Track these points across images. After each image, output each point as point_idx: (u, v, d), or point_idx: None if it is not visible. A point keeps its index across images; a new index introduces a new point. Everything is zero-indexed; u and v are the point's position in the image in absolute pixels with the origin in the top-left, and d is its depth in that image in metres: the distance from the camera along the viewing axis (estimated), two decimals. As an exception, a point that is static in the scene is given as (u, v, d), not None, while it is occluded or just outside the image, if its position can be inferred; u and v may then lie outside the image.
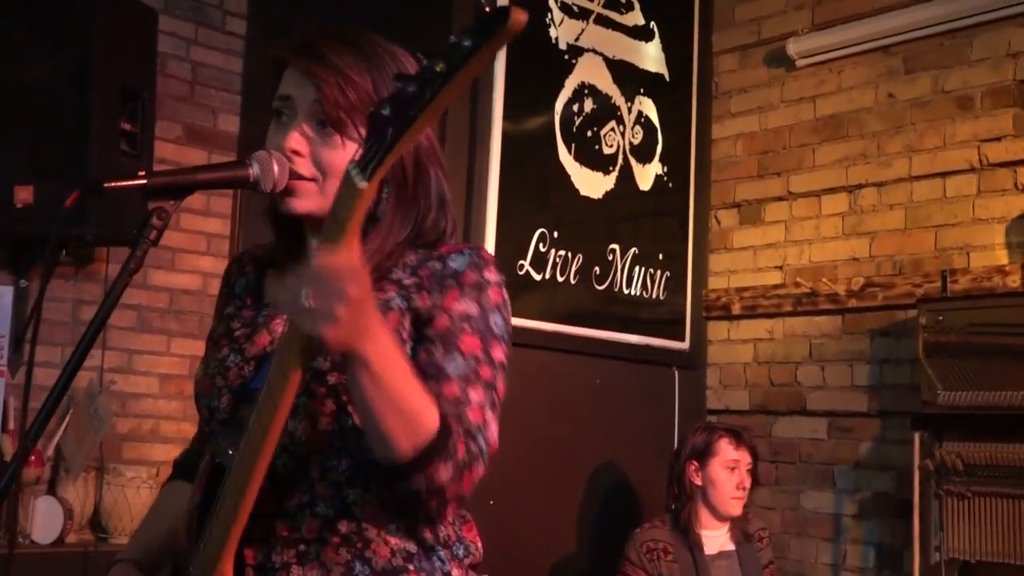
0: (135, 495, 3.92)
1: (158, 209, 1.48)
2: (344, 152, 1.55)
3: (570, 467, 3.91)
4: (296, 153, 1.55)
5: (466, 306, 1.53)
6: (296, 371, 1.34)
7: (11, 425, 3.80)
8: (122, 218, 3.60)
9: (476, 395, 1.48)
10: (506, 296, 1.59)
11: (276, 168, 1.52)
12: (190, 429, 4.32)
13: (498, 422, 1.50)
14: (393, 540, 1.52)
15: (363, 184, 1.22)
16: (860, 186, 4.10)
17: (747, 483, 3.55)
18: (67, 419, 3.89)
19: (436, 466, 1.38)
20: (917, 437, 3.54)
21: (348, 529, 1.50)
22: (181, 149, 4.35)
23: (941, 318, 3.52)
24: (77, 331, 4.00)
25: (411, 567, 1.52)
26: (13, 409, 3.82)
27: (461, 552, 1.59)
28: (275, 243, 1.71)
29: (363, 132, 1.52)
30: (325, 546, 1.50)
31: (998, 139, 3.76)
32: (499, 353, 1.53)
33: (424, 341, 1.51)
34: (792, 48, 4.26)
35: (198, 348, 4.35)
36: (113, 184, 1.48)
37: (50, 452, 3.83)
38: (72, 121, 3.50)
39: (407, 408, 1.34)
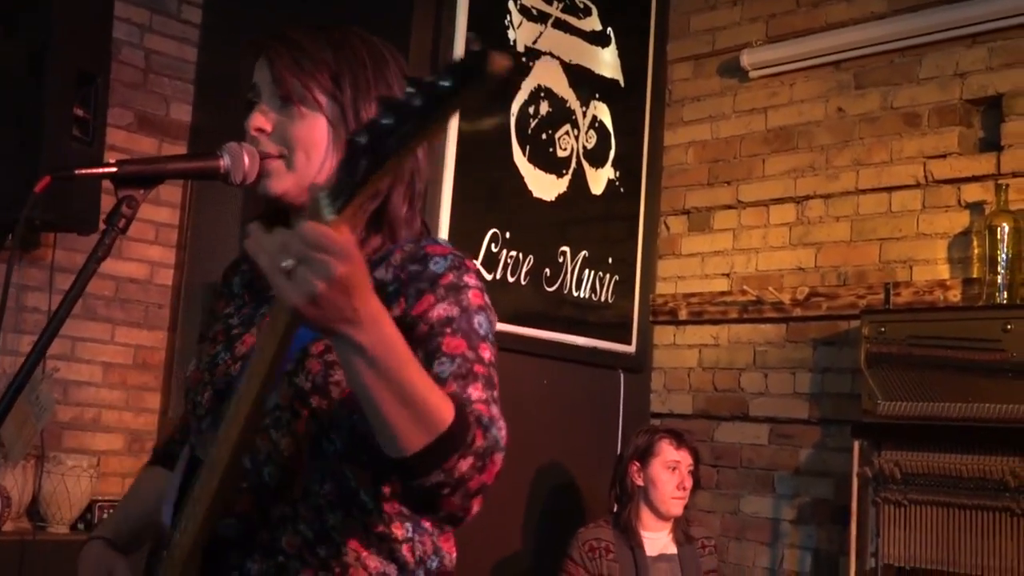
0: (75, 484, 3.87)
1: (128, 198, 1.47)
2: (307, 123, 1.55)
3: (515, 467, 3.87)
4: (260, 131, 1.56)
5: (444, 310, 1.47)
6: (279, 339, 1.26)
7: (-50, 411, 3.73)
8: (70, 205, 3.57)
9: (476, 392, 1.40)
10: (488, 301, 1.53)
11: (247, 160, 1.52)
12: (132, 419, 4.33)
13: (504, 421, 1.41)
14: (372, 564, 1.49)
15: (331, 217, 1.14)
16: (808, 197, 4.15)
17: (687, 483, 3.59)
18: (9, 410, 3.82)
19: (455, 459, 1.28)
20: (856, 445, 3.58)
21: (327, 554, 1.47)
22: (132, 137, 4.31)
23: (883, 329, 3.57)
24: (21, 317, 3.95)
25: None
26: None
27: (435, 565, 1.56)
28: None
29: (323, 101, 1.56)
30: (304, 568, 1.47)
31: (943, 156, 3.83)
32: (488, 352, 1.46)
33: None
34: (746, 59, 4.31)
35: (143, 337, 4.37)
36: (84, 171, 1.47)
37: (-10, 440, 3.77)
38: (27, 106, 3.45)
39: (417, 400, 1.25)
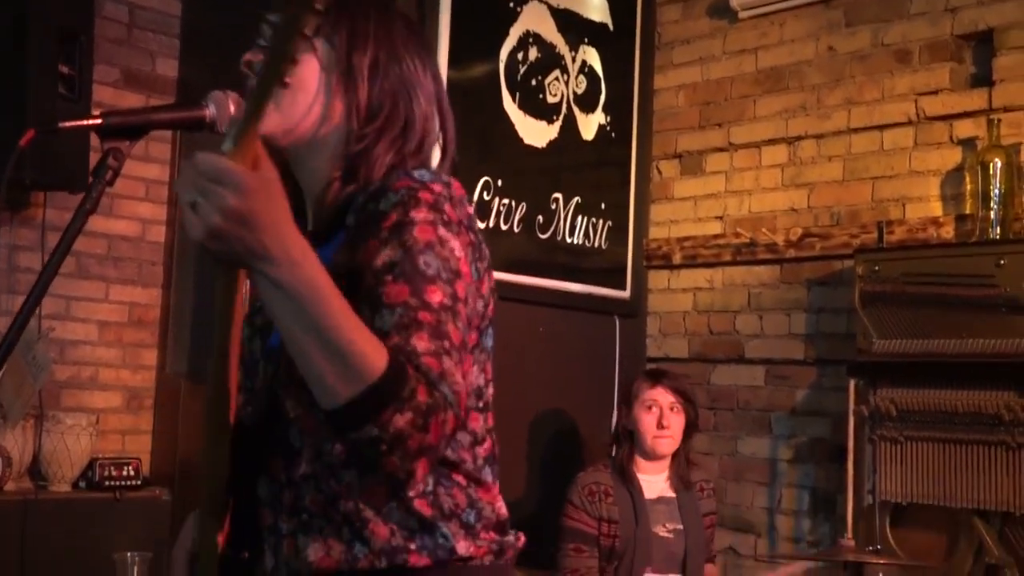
0: (75, 442, 3.88)
1: (114, 150, 1.46)
2: (301, 63, 1.52)
3: (515, 413, 3.93)
4: (248, 64, 1.54)
5: (387, 255, 1.38)
6: (224, 278, 1.29)
7: (-55, 373, 3.74)
8: (60, 163, 3.55)
9: (422, 343, 1.31)
10: (442, 233, 1.40)
11: (232, 108, 1.50)
12: (130, 376, 4.33)
13: (460, 368, 1.34)
14: (393, 519, 1.47)
15: (228, 148, 1.14)
16: (800, 138, 4.14)
17: (667, 421, 3.54)
18: (2, 369, 3.83)
19: (390, 412, 1.23)
20: (852, 384, 3.61)
21: (347, 509, 1.47)
22: (119, 93, 4.27)
23: (877, 268, 3.58)
24: (14, 277, 3.94)
25: (412, 545, 1.47)
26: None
27: (473, 517, 1.52)
28: None
29: (317, 44, 1.54)
30: (328, 523, 1.48)
31: (935, 93, 3.82)
32: (437, 296, 1.35)
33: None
34: (735, 0, 4.28)
35: (136, 295, 4.36)
36: (68, 124, 1.45)
37: (-14, 401, 3.78)
38: (9, 64, 3.42)
39: (343, 346, 1.21)
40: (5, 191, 3.15)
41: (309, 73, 1.56)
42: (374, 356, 1.24)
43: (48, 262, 1.44)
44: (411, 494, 1.50)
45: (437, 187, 1.43)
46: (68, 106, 3.59)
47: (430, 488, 1.52)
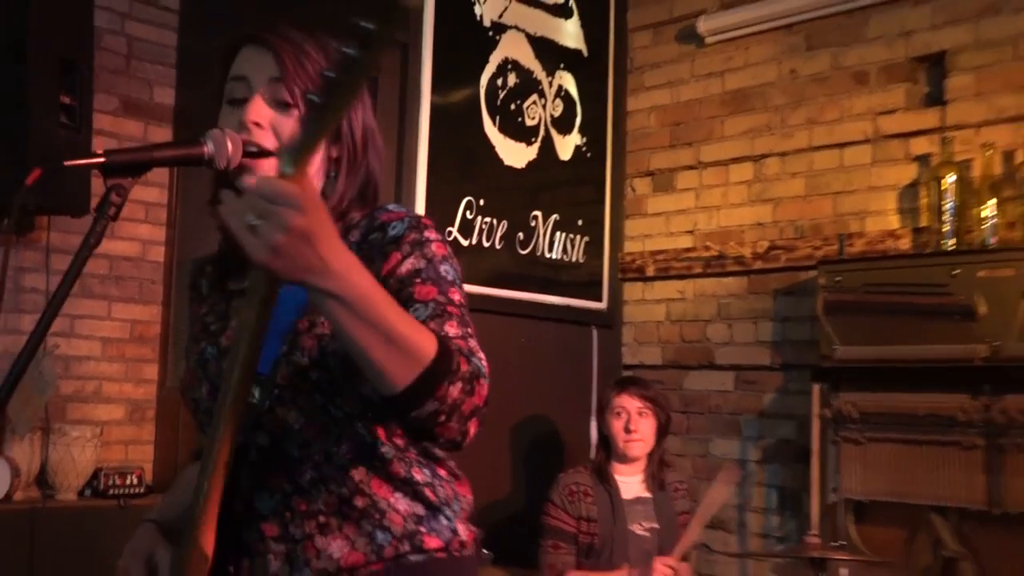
0: (80, 453, 3.88)
1: (117, 186, 1.45)
2: None
3: (499, 419, 3.93)
4: (257, 125, 1.52)
5: (411, 263, 1.49)
6: (261, 299, 1.26)
7: (-43, 388, 3.73)
8: (63, 189, 3.55)
9: (453, 329, 1.43)
10: (451, 251, 1.54)
11: (230, 146, 1.50)
12: (132, 390, 4.33)
13: (483, 353, 1.45)
14: (403, 507, 1.53)
15: (289, 171, 1.14)
16: (765, 156, 4.16)
17: (635, 425, 3.55)
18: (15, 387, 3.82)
19: (445, 387, 1.31)
20: (816, 389, 3.62)
21: (364, 504, 1.51)
22: (118, 121, 4.27)
23: (839, 279, 3.59)
24: (20, 298, 3.93)
25: (423, 528, 1.54)
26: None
27: (458, 508, 1.60)
28: (222, 240, 1.67)
29: None
30: (346, 520, 1.51)
31: (891, 112, 3.84)
32: (457, 295, 1.49)
33: None
34: (702, 26, 4.30)
35: (137, 312, 4.35)
36: (73, 162, 1.45)
37: (-5, 415, 3.77)
38: (11, 94, 3.41)
39: (400, 337, 1.27)
40: (14, 220, 3.14)
41: None
42: (426, 341, 1.30)
43: (55, 292, 1.44)
44: (419, 479, 1.55)
45: (427, 220, 1.54)
46: (69, 135, 3.59)
47: (429, 479, 1.58)
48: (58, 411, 4.04)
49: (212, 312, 1.66)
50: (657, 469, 3.66)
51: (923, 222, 3.68)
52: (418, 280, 1.48)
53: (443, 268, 1.51)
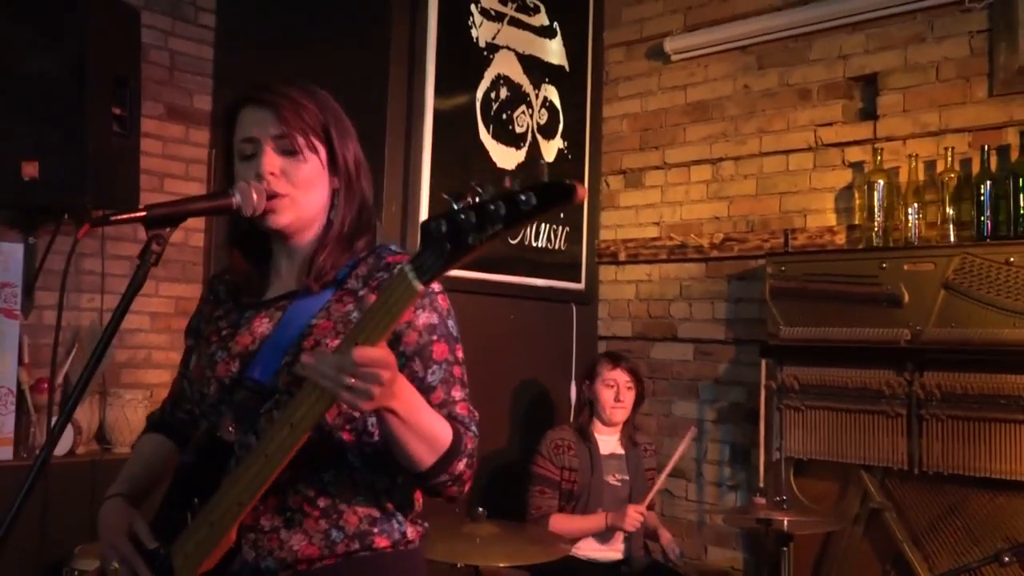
0: (133, 413, 3.87)
1: (157, 236, 1.44)
2: (309, 167, 1.55)
3: (492, 386, 3.94)
4: (272, 174, 1.53)
5: (427, 317, 1.51)
6: (319, 413, 1.34)
7: (25, 359, 3.71)
8: (113, 187, 3.52)
9: (457, 393, 1.50)
10: (449, 303, 1.57)
11: (255, 196, 1.51)
12: (177, 357, 4.23)
13: (475, 411, 1.53)
14: (360, 510, 1.52)
15: (419, 286, 1.17)
16: (721, 159, 4.13)
17: (623, 395, 3.59)
18: (73, 352, 3.81)
19: (455, 463, 1.42)
20: (764, 363, 3.63)
21: (325, 504, 1.50)
22: (163, 125, 4.22)
23: (783, 268, 3.59)
24: (79, 279, 3.90)
25: (375, 530, 1.53)
26: (27, 346, 3.73)
27: (410, 511, 1.59)
28: (233, 263, 1.67)
29: (319, 148, 1.54)
30: (306, 518, 1.49)
31: (830, 124, 3.81)
32: (460, 352, 1.54)
33: (400, 357, 1.47)
34: (668, 45, 4.25)
35: (181, 290, 4.32)
36: (119, 218, 1.43)
37: (60, 380, 3.74)
38: (71, 106, 3.35)
39: (430, 436, 1.38)
40: (65, 212, 3.10)
41: (317, 173, 1.56)
42: (445, 433, 1.41)
43: (108, 324, 1.44)
44: (379, 487, 1.54)
45: None
46: (120, 141, 3.55)
47: (388, 486, 1.56)
48: (114, 377, 4.02)
49: (225, 318, 1.64)
50: (632, 431, 3.69)
51: (857, 220, 3.67)
52: (435, 337, 1.51)
53: (450, 323, 1.54)
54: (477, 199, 1.08)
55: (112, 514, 1.60)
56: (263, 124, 1.54)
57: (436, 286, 1.53)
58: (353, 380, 1.24)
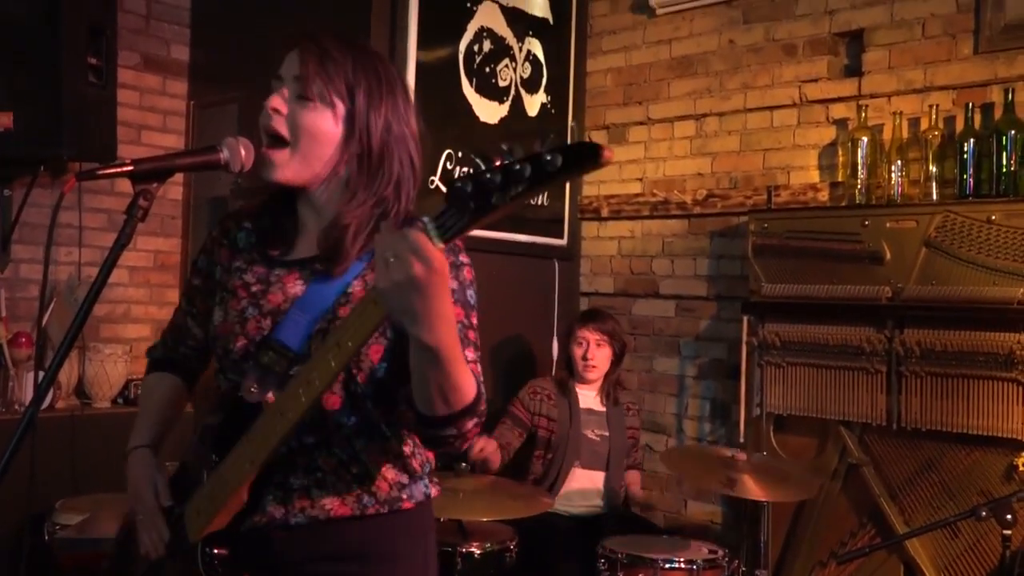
0: (112, 367, 3.85)
1: (144, 191, 1.41)
2: (319, 116, 1.49)
3: (482, 340, 3.93)
4: (276, 111, 1.49)
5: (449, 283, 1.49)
6: (374, 323, 1.26)
7: (3, 313, 3.66)
8: (90, 139, 3.46)
9: (470, 353, 1.46)
10: (474, 277, 1.56)
11: (243, 152, 1.47)
12: (156, 311, 4.26)
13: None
14: (390, 475, 1.56)
15: (440, 243, 1.13)
16: (705, 115, 4.10)
17: (591, 353, 3.63)
18: (51, 307, 3.76)
19: (466, 421, 1.37)
20: (745, 320, 3.65)
21: (358, 470, 1.53)
22: (140, 75, 4.14)
23: (766, 225, 3.58)
24: (56, 232, 3.84)
25: (404, 495, 1.57)
26: (3, 300, 3.68)
27: (428, 469, 1.63)
28: (264, 203, 1.63)
29: (337, 103, 1.49)
30: (339, 481, 1.52)
31: (815, 81, 3.79)
32: (475, 319, 1.52)
33: None
34: (653, -1, 4.21)
35: (160, 244, 4.27)
36: (105, 172, 1.41)
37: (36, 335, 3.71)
38: (45, 55, 3.28)
39: (455, 386, 1.30)
40: (42, 163, 3.04)
41: (327, 126, 1.51)
42: (470, 389, 1.34)
43: (94, 281, 1.41)
44: (406, 452, 1.57)
45: (460, 241, 1.48)
46: (97, 91, 3.48)
47: (413, 450, 1.57)
48: (92, 331, 3.98)
49: (250, 271, 1.59)
50: (612, 389, 3.70)
51: (840, 178, 3.66)
52: (452, 300, 1.44)
53: (470, 292, 1.53)
54: (505, 161, 1.07)
55: (138, 465, 1.63)
56: (291, 65, 1.52)
57: (464, 258, 1.54)
58: (393, 258, 1.15)
